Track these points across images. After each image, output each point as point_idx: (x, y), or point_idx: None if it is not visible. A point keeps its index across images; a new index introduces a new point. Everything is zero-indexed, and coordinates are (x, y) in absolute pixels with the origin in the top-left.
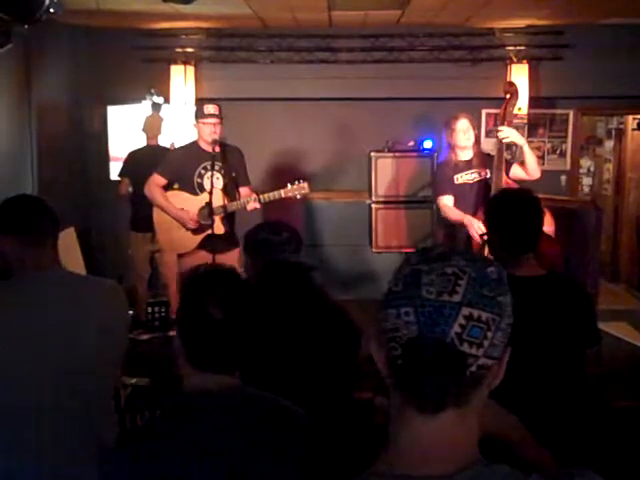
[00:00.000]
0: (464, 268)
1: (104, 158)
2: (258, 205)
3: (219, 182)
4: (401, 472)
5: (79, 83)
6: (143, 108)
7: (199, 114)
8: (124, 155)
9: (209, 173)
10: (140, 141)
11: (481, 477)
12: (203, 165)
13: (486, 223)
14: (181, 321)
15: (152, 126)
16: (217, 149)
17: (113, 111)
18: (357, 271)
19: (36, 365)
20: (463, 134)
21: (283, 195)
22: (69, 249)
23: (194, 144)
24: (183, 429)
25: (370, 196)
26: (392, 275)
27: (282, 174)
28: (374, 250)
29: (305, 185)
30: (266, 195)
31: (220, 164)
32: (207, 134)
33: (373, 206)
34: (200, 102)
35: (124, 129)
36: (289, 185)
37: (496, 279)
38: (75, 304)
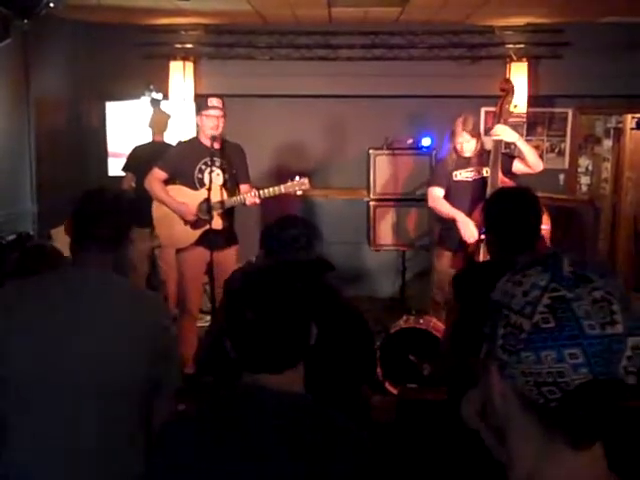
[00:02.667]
0: (608, 289)
1: (103, 154)
2: (258, 200)
3: (219, 178)
4: None
5: (78, 79)
6: (142, 104)
7: (202, 107)
8: (123, 151)
9: (209, 169)
10: (141, 137)
11: None
12: (204, 160)
13: (484, 222)
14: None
15: (159, 122)
16: (217, 145)
17: (112, 107)
18: (355, 268)
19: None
20: (467, 144)
21: (283, 190)
22: (67, 245)
23: (195, 139)
24: (233, 431)
25: (368, 193)
26: (513, 301)
27: (281, 171)
28: (372, 247)
29: (305, 181)
30: (266, 190)
31: (221, 160)
32: (209, 127)
33: (371, 203)
34: (203, 97)
35: (123, 125)
36: (289, 181)
37: (624, 290)
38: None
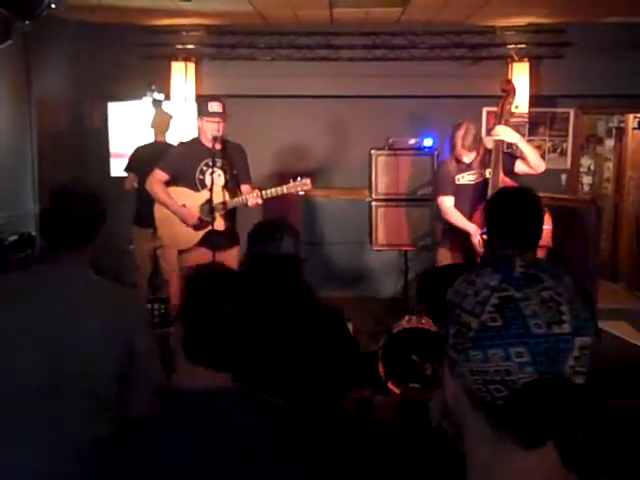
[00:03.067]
0: (557, 289)
1: (104, 155)
2: (260, 201)
3: (220, 179)
4: None
5: (80, 79)
6: (144, 105)
7: (203, 111)
8: (125, 151)
9: (211, 170)
10: (143, 137)
11: None
12: (205, 162)
13: (486, 222)
14: (188, 315)
15: (161, 123)
16: (218, 146)
17: (114, 108)
18: (357, 269)
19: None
20: (467, 156)
21: (285, 191)
22: None
23: (196, 140)
24: (177, 429)
25: (370, 194)
26: (465, 301)
27: (282, 171)
28: (374, 248)
29: (308, 181)
30: (268, 191)
31: (222, 161)
32: (209, 131)
33: (373, 204)
34: (204, 99)
35: (125, 126)
36: (292, 181)
37: (575, 291)
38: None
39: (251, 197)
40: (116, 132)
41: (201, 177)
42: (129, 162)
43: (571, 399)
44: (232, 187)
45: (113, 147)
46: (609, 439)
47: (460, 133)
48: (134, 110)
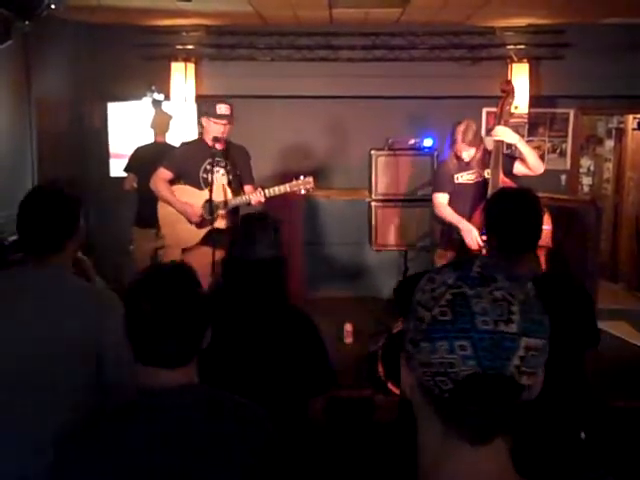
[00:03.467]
0: (511, 291)
1: (104, 155)
2: (263, 199)
3: (224, 178)
4: None
5: (79, 80)
6: (143, 105)
7: (210, 112)
8: (124, 152)
9: (214, 169)
10: (144, 137)
11: None
12: (208, 161)
13: (485, 222)
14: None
15: (160, 123)
16: (220, 146)
17: (113, 108)
18: (357, 269)
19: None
20: (467, 152)
21: (289, 189)
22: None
23: (200, 140)
24: (133, 429)
25: (370, 194)
26: (423, 297)
27: (282, 171)
28: (374, 248)
29: (310, 180)
30: (271, 189)
31: (225, 161)
32: (215, 133)
33: (373, 204)
34: (212, 99)
35: (125, 126)
36: (294, 180)
37: (535, 296)
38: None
39: (254, 196)
40: (116, 132)
41: (204, 176)
42: (129, 162)
43: (509, 396)
44: (235, 187)
45: (113, 147)
46: (610, 440)
47: (461, 128)
48: (134, 110)
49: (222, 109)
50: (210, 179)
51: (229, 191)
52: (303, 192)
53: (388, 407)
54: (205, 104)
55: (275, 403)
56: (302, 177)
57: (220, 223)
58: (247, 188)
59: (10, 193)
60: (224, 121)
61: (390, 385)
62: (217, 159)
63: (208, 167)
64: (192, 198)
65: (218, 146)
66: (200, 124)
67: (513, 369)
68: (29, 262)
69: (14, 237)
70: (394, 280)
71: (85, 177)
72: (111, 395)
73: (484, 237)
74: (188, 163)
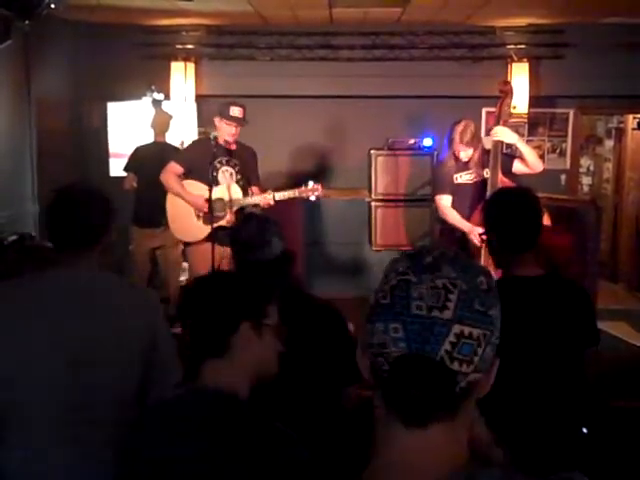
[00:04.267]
0: (454, 280)
1: (104, 155)
2: (272, 202)
3: (233, 177)
4: None
5: (79, 79)
6: (143, 105)
7: (224, 113)
8: (124, 152)
9: (224, 167)
10: (143, 137)
11: None
12: (218, 159)
13: (485, 222)
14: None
15: (161, 123)
16: (231, 147)
17: (113, 107)
18: (356, 269)
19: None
20: (464, 152)
21: (297, 194)
22: None
23: (212, 138)
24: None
25: (370, 194)
26: (379, 284)
27: (282, 172)
28: (373, 248)
29: (319, 187)
30: (281, 193)
31: (235, 161)
32: (226, 134)
33: (372, 204)
34: (227, 100)
35: (124, 126)
36: (303, 185)
37: (486, 290)
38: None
39: (264, 199)
40: (115, 132)
41: (214, 174)
42: (128, 162)
43: (441, 381)
44: (243, 187)
45: (112, 147)
46: (610, 440)
47: (459, 128)
48: (133, 110)
49: (235, 112)
50: (219, 177)
51: (237, 189)
52: (312, 198)
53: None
54: (220, 104)
55: (313, 393)
56: (311, 183)
57: (229, 220)
58: (254, 188)
59: (10, 193)
60: (235, 123)
61: None
62: (227, 158)
63: (218, 165)
64: (201, 194)
65: (229, 146)
66: (213, 124)
67: (444, 354)
68: (61, 260)
69: (14, 237)
70: None
71: (85, 177)
72: (155, 389)
73: (484, 237)
74: (199, 160)
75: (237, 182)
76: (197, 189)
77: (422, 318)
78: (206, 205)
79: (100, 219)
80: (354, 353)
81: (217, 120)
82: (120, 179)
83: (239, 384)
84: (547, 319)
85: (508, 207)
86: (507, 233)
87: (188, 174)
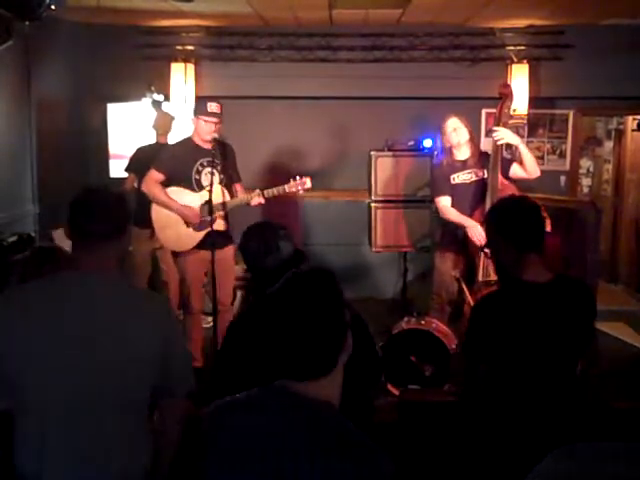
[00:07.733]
0: None
1: (104, 155)
2: (263, 200)
3: (216, 178)
4: None
5: (79, 80)
6: (143, 106)
7: (201, 110)
8: (124, 152)
9: (207, 169)
10: (143, 138)
11: None
12: (200, 162)
13: (488, 230)
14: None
15: (163, 124)
16: (208, 146)
17: (113, 108)
18: (357, 270)
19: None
20: (454, 132)
21: (287, 190)
22: (68, 246)
23: (189, 140)
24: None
25: (369, 195)
26: None
27: (281, 172)
28: (373, 249)
29: (307, 180)
30: (270, 190)
31: (216, 161)
32: (205, 132)
33: (372, 205)
34: (202, 99)
35: (124, 126)
36: (292, 181)
37: None
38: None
39: (254, 197)
40: (116, 133)
41: (197, 177)
42: (129, 163)
43: None
44: (227, 185)
45: (112, 148)
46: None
47: (443, 122)
48: (133, 111)
49: (212, 107)
50: (202, 180)
51: (225, 191)
52: (301, 192)
53: (387, 409)
54: (197, 104)
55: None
56: (298, 177)
57: (219, 225)
58: (238, 187)
59: (10, 194)
60: (215, 119)
61: (389, 386)
62: (208, 159)
63: (200, 168)
64: (187, 201)
65: (209, 146)
66: (191, 124)
67: None
68: (77, 263)
69: (14, 237)
70: (393, 281)
71: (85, 178)
72: (171, 392)
73: (487, 249)
74: (179, 164)
75: (220, 182)
76: (183, 197)
77: None
78: (197, 215)
79: (121, 212)
80: (376, 355)
81: (194, 120)
82: (120, 180)
83: (337, 400)
84: (554, 327)
85: (513, 207)
86: (513, 230)
87: (170, 180)
